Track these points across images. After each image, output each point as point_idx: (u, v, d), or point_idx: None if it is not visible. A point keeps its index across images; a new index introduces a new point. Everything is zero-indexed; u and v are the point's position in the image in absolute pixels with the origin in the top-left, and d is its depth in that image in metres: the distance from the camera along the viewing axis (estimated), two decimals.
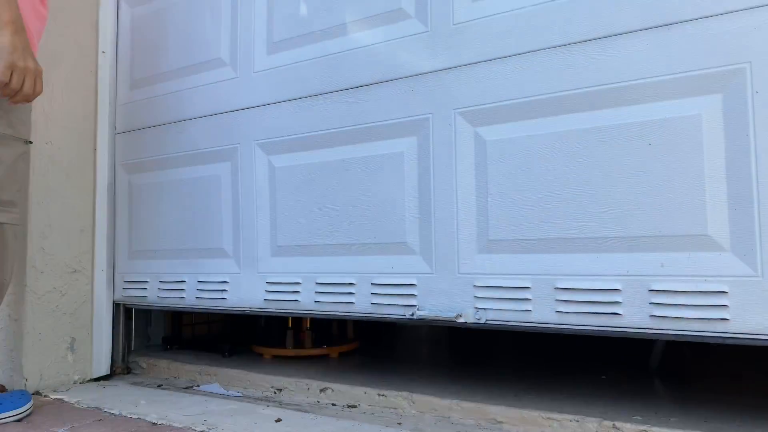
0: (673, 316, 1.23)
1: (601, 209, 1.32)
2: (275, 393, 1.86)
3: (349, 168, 1.69)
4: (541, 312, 1.38)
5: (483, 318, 1.45)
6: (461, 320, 1.48)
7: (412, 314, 1.55)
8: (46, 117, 2.00)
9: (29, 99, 1.49)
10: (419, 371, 1.90)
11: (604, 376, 1.76)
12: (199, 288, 1.99)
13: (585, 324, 1.33)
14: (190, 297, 2.01)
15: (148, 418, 1.63)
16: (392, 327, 2.97)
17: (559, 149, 1.37)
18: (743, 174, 1.18)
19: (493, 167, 1.46)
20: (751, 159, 1.17)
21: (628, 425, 1.31)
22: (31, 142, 1.62)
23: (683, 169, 1.24)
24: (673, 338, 1.25)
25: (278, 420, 1.57)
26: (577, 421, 1.37)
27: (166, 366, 2.17)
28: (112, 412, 1.71)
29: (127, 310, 2.25)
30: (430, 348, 2.36)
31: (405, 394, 1.63)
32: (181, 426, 1.55)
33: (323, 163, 1.74)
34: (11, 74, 1.40)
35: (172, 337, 2.45)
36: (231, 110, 1.94)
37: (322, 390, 1.77)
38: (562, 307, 1.35)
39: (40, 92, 1.51)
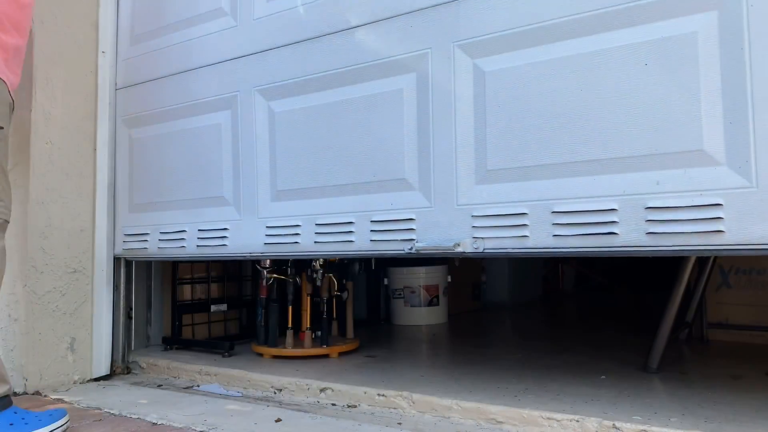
0: (669, 231, 1.24)
1: (597, 132, 1.33)
2: (275, 393, 1.86)
3: (349, 108, 1.70)
4: (539, 237, 1.39)
5: (481, 247, 1.47)
6: (459, 249, 1.49)
7: (411, 248, 1.56)
8: (46, 117, 2.00)
9: None
10: (419, 371, 1.90)
11: (604, 376, 1.76)
12: (199, 237, 2.01)
13: (581, 246, 1.34)
14: (190, 246, 2.03)
15: (148, 418, 1.63)
16: (392, 327, 2.97)
17: (556, 76, 1.39)
18: (738, 88, 1.19)
19: (492, 98, 1.47)
20: (746, 73, 1.18)
21: (628, 425, 1.31)
22: (1, 128, 1.50)
23: (679, 87, 1.25)
24: (669, 254, 1.26)
25: (278, 420, 1.57)
26: (577, 421, 1.37)
27: (166, 366, 2.17)
28: (112, 412, 1.71)
29: (128, 263, 2.27)
30: (430, 348, 2.36)
31: (405, 394, 1.63)
32: (181, 426, 1.55)
33: (323, 105, 1.75)
34: None
35: (172, 337, 2.45)
36: (231, 58, 1.95)
37: (322, 390, 1.77)
38: (559, 231, 1.36)
39: None
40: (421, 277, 3.01)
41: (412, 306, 3.01)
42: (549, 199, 1.38)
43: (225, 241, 1.94)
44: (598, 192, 1.33)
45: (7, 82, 1.53)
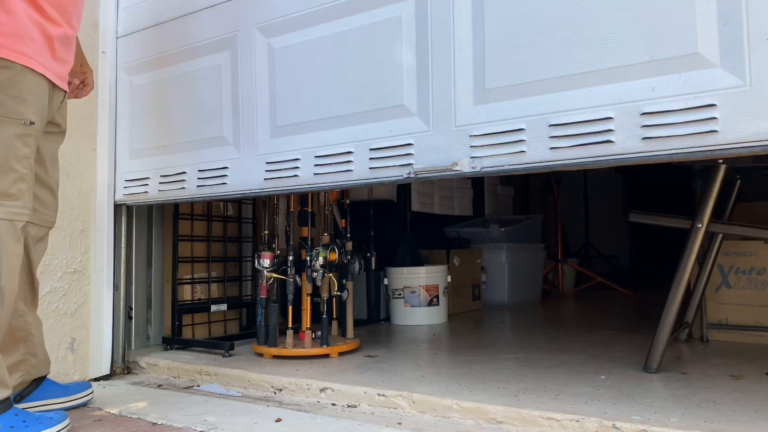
0: (664, 135, 1.26)
1: (594, 44, 1.35)
2: (275, 393, 1.86)
3: (348, 40, 1.72)
4: (536, 151, 1.41)
5: (478, 166, 1.49)
6: (457, 168, 1.51)
7: (409, 172, 1.59)
8: None
9: None
10: (419, 371, 1.90)
11: (604, 376, 1.76)
12: (199, 177, 2.03)
13: (578, 157, 1.36)
14: (190, 187, 2.05)
15: (148, 418, 1.63)
16: (392, 327, 2.97)
17: None
18: None
19: (490, 17, 1.49)
20: None
21: (628, 425, 1.31)
22: (33, 123, 1.43)
23: None
24: (664, 159, 1.28)
25: (278, 420, 1.57)
26: (577, 421, 1.37)
27: (166, 366, 2.17)
28: (112, 412, 1.71)
29: (129, 215, 2.29)
30: (430, 348, 2.36)
31: (405, 394, 1.63)
32: (181, 426, 1.55)
33: (321, 38, 1.77)
34: None
35: (172, 337, 2.45)
36: None
37: (322, 390, 1.77)
38: (556, 143, 1.38)
39: None
40: (421, 277, 3.01)
41: (412, 306, 3.01)
42: (546, 113, 1.41)
43: (225, 180, 1.96)
44: (594, 103, 1.35)
45: (48, 76, 1.50)
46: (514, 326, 2.93)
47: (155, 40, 2.17)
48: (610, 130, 1.32)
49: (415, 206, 3.51)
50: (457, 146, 1.53)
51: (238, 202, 2.79)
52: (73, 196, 2.10)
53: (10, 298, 1.44)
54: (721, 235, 2.14)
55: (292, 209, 2.29)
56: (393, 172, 1.62)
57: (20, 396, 1.62)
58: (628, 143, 1.30)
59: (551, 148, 1.39)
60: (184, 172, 2.07)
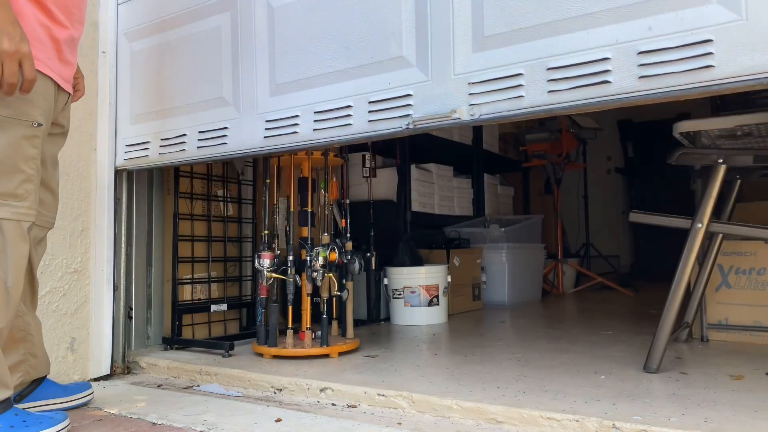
0: (661, 73, 1.27)
1: None
2: (275, 393, 1.86)
3: None
4: (534, 95, 1.43)
5: (477, 113, 1.50)
6: (455, 116, 1.52)
7: (408, 124, 1.60)
8: None
9: (15, 89, 1.31)
10: (419, 371, 1.90)
11: (604, 376, 1.76)
12: (199, 138, 2.05)
13: (575, 99, 1.37)
14: (191, 149, 2.07)
15: (148, 418, 1.63)
16: (392, 327, 2.97)
17: None
18: None
19: None
20: None
21: (628, 425, 1.31)
22: (40, 124, 1.45)
23: None
24: (660, 96, 1.28)
25: (278, 420, 1.58)
26: (577, 421, 1.37)
27: (166, 366, 2.17)
28: (112, 412, 1.71)
29: (129, 180, 2.30)
30: (430, 348, 2.36)
31: (405, 394, 1.63)
32: (181, 426, 1.55)
33: None
34: None
35: (172, 337, 2.45)
36: None
37: (322, 390, 1.77)
38: (554, 86, 1.40)
39: (32, 78, 1.32)
40: (421, 277, 3.01)
41: (412, 306, 3.01)
42: (544, 57, 1.42)
43: (225, 140, 1.98)
44: (592, 44, 1.36)
45: (55, 78, 1.50)
46: (514, 326, 2.93)
47: (155, 5, 2.19)
48: (607, 71, 1.33)
49: (415, 206, 3.51)
50: (456, 94, 1.54)
51: (238, 202, 2.79)
52: (73, 197, 2.10)
53: (15, 298, 1.44)
54: (721, 235, 2.14)
55: (292, 209, 2.29)
56: (392, 124, 1.63)
57: (20, 396, 1.62)
58: (625, 83, 1.31)
59: (549, 91, 1.40)
60: (185, 134, 2.08)
